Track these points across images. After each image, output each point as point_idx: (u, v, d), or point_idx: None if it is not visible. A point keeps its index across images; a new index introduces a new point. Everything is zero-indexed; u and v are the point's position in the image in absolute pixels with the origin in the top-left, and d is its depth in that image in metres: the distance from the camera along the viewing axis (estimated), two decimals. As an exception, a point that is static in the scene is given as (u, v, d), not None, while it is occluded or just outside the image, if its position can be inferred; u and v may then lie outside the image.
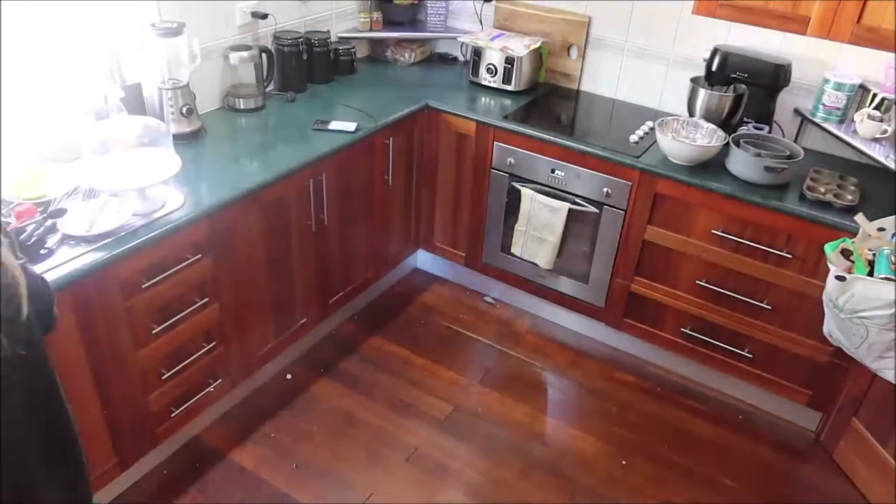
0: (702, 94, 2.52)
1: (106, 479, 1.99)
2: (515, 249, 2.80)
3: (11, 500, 1.14)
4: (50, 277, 1.59)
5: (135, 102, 2.13)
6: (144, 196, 1.88)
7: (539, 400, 2.62)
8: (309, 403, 2.52)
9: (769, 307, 2.34)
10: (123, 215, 1.80)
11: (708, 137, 2.44)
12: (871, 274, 1.88)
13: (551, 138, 2.53)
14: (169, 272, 1.89)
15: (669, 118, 2.49)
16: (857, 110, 2.34)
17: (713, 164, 2.35)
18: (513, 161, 2.67)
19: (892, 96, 2.26)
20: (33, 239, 1.67)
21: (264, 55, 2.57)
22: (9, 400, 1.08)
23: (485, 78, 2.89)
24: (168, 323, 1.95)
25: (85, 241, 1.72)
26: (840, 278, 1.90)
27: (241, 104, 2.53)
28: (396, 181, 2.78)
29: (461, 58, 3.23)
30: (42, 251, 1.67)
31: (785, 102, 2.50)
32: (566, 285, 2.79)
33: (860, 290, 1.87)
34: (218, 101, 2.55)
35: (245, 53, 2.48)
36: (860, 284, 1.86)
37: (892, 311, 1.82)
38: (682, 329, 2.57)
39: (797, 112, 2.52)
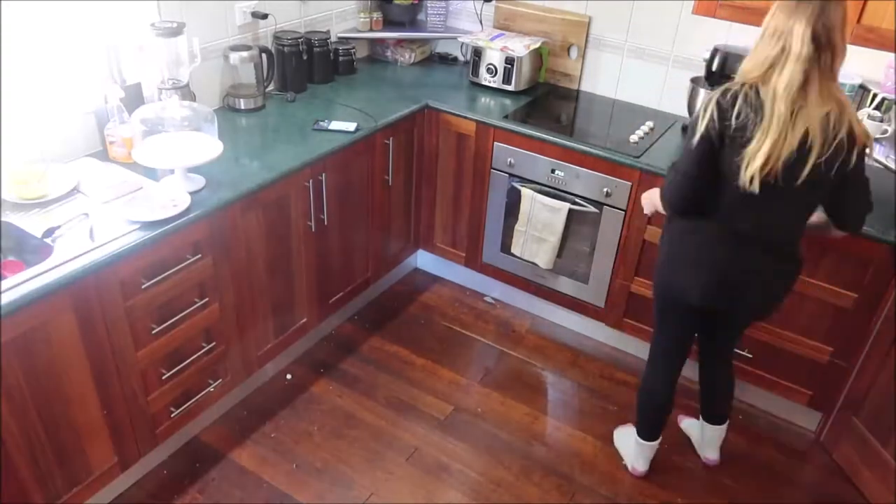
0: (702, 94, 2.52)
1: (106, 479, 1.99)
2: (515, 249, 2.80)
3: None
4: (49, 278, 1.59)
5: (135, 102, 2.13)
6: (187, 176, 1.98)
7: (539, 400, 2.62)
8: (309, 403, 2.52)
9: (769, 307, 2.34)
10: (178, 193, 1.93)
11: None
12: None
13: (551, 138, 2.53)
14: (169, 272, 1.89)
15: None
16: (857, 110, 2.34)
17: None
18: (513, 161, 2.67)
19: (892, 96, 2.26)
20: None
21: (264, 55, 2.57)
22: None
23: (485, 78, 2.89)
24: (168, 323, 1.95)
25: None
26: None
27: (242, 104, 2.53)
28: (396, 181, 2.78)
29: (461, 58, 3.23)
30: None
31: (785, 102, 2.50)
32: (566, 285, 2.79)
33: None
34: (218, 101, 2.55)
35: (245, 53, 2.48)
36: None
37: None
38: (682, 329, 2.57)
39: (797, 112, 2.52)
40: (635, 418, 2.25)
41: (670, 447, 2.43)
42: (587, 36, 2.87)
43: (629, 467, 2.33)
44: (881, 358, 2.17)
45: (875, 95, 2.29)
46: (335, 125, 2.46)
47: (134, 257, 1.77)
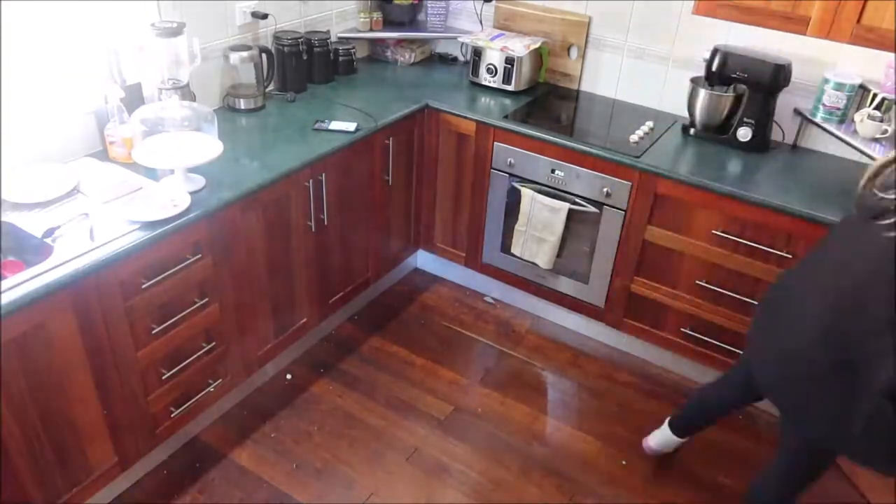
0: (702, 94, 2.52)
1: (106, 479, 1.99)
2: (515, 249, 2.80)
3: None
4: (49, 278, 1.59)
5: (135, 102, 2.13)
6: (187, 176, 1.99)
7: (539, 400, 2.62)
8: (309, 403, 2.52)
9: (769, 307, 2.34)
10: (178, 193, 1.93)
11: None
12: None
13: (551, 138, 2.53)
14: (169, 272, 1.89)
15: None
16: (857, 110, 2.34)
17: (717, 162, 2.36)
18: (513, 161, 2.67)
19: (892, 96, 2.26)
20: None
21: (264, 55, 2.57)
22: None
23: (485, 78, 2.89)
24: (168, 323, 1.95)
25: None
26: None
27: (242, 104, 2.53)
28: (396, 181, 2.78)
29: (461, 58, 3.23)
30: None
31: (785, 102, 2.50)
32: (566, 285, 2.79)
33: None
34: (218, 101, 2.55)
35: (245, 53, 2.48)
36: None
37: None
38: (682, 329, 2.57)
39: (797, 112, 2.52)
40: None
41: (670, 447, 2.44)
42: (587, 36, 2.87)
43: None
44: (881, 358, 2.17)
45: (875, 95, 2.29)
46: (335, 125, 2.46)
47: (134, 257, 1.77)
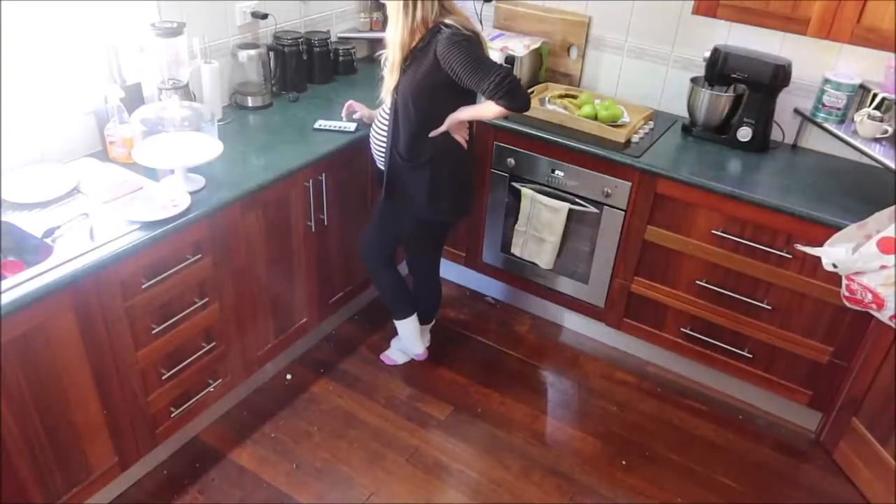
0: (702, 94, 2.52)
1: (106, 479, 1.99)
2: (515, 249, 2.80)
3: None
4: (49, 278, 1.59)
5: (135, 102, 2.13)
6: (187, 176, 1.99)
7: (539, 400, 2.62)
8: (309, 403, 2.52)
9: (769, 307, 2.34)
10: (178, 193, 1.94)
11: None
12: None
13: (551, 138, 2.53)
14: (169, 272, 1.89)
15: None
16: (857, 110, 2.34)
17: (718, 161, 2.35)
18: (513, 161, 2.66)
19: (892, 96, 2.26)
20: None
21: (272, 53, 2.58)
22: None
23: (485, 78, 2.88)
24: (168, 323, 1.95)
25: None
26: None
27: (250, 101, 2.55)
28: (396, 181, 2.78)
29: (461, 58, 3.22)
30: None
31: (785, 102, 2.50)
32: (566, 285, 2.79)
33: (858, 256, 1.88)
34: (225, 99, 2.54)
35: (253, 52, 2.50)
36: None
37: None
38: (682, 329, 2.57)
39: (797, 112, 2.52)
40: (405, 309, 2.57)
41: (670, 447, 2.43)
42: (587, 36, 2.87)
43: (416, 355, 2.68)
44: (881, 358, 2.17)
45: (875, 95, 2.29)
46: (335, 125, 2.46)
47: (134, 257, 1.77)
